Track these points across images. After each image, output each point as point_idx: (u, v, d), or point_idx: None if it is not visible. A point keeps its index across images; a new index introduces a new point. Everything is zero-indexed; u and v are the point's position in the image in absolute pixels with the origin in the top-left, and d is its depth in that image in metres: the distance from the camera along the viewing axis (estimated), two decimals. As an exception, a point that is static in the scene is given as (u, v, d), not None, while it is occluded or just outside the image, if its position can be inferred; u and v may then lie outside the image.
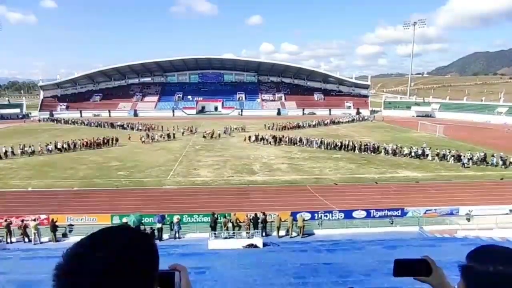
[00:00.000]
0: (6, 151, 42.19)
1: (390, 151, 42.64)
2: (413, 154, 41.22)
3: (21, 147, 43.38)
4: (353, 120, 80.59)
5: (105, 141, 49.60)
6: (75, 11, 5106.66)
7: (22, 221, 21.75)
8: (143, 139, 51.90)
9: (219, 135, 57.16)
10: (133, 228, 1.23)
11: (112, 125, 70.63)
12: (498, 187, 30.14)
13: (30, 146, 43.51)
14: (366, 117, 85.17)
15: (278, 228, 21.57)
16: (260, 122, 71.70)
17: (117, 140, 50.37)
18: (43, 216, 22.60)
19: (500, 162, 37.07)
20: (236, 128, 62.35)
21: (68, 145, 46.46)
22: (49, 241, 20.98)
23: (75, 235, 21.01)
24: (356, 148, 44.72)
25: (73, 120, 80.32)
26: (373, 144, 45.14)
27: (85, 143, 47.82)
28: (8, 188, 30.18)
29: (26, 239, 20.97)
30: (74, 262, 1.01)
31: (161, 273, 1.20)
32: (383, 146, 44.16)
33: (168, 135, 55.56)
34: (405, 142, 48.79)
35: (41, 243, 20.80)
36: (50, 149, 44.59)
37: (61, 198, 27.58)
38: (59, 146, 45.39)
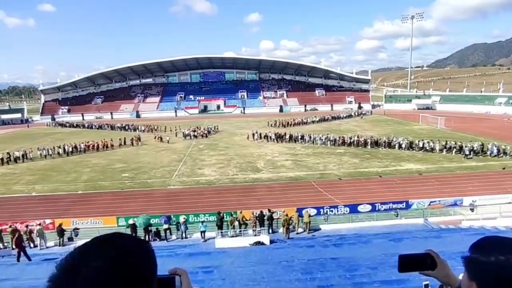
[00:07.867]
0: (24, 153, 42.80)
1: (403, 146, 41.94)
2: (426, 147, 40.60)
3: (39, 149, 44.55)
4: (350, 116, 79.72)
5: (131, 140, 51.79)
6: (74, 14, 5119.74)
7: (27, 226, 21.64)
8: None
9: (206, 135, 57.81)
10: (127, 235, 1.19)
11: (112, 127, 71.04)
12: (501, 177, 30.12)
13: (44, 149, 44.54)
14: (364, 112, 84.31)
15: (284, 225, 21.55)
16: (263, 120, 71.81)
17: (138, 139, 52.46)
18: (48, 221, 22.50)
19: (495, 151, 37.33)
20: (213, 129, 62.32)
21: (76, 147, 47.43)
22: (55, 245, 20.82)
23: (81, 238, 20.77)
24: (368, 144, 44.11)
25: (84, 124, 79.19)
26: (385, 139, 44.50)
27: (104, 145, 48.99)
28: (12, 194, 30.18)
29: (32, 245, 20.83)
30: (68, 273, 0.98)
31: (160, 279, 1.17)
32: (397, 141, 43.12)
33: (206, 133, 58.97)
34: (407, 135, 48.60)
35: (47, 248, 20.63)
36: (67, 151, 45.90)
37: (66, 202, 27.59)
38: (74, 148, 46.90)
